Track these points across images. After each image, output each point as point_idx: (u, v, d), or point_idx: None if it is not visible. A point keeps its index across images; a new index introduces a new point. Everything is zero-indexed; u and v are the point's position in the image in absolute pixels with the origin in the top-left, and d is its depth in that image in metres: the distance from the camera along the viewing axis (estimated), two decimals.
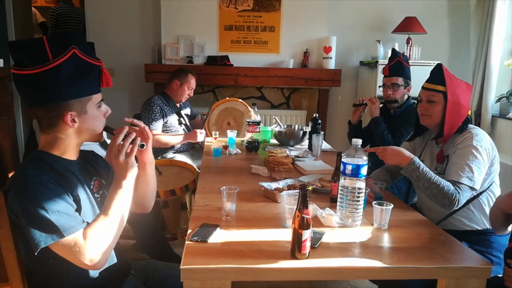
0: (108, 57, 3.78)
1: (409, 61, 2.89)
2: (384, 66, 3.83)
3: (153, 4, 4.09)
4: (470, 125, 1.80)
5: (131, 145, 1.21)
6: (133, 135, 1.23)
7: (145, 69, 3.96)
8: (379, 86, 2.88)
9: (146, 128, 1.29)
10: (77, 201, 1.17)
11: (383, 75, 2.86)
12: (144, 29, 4.16)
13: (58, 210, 1.08)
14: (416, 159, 1.67)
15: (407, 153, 1.69)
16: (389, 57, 2.86)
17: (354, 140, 1.43)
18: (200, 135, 2.96)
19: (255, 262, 1.15)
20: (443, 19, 4.34)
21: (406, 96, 2.79)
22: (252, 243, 1.28)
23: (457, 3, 4.28)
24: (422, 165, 1.66)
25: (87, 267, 1.10)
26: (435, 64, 1.89)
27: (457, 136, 1.78)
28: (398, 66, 2.75)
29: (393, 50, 2.89)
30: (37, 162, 1.16)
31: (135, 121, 1.28)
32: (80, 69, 1.16)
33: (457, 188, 1.61)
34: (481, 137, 1.70)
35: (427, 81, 1.88)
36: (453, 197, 1.59)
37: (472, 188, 1.62)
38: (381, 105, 2.80)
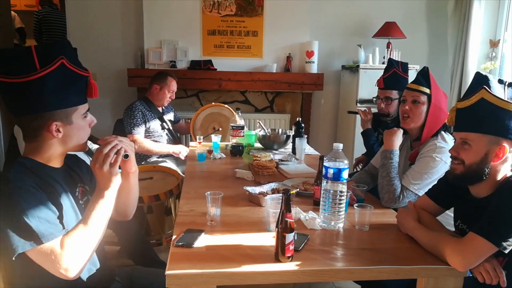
0: (91, 62, 3.75)
1: None
2: (366, 69, 3.94)
3: (135, 9, 4.07)
4: (443, 133, 1.86)
5: (115, 155, 1.21)
6: (118, 145, 1.23)
7: (128, 73, 3.94)
8: (373, 98, 2.75)
9: (127, 139, 1.30)
10: (60, 209, 1.16)
11: (377, 87, 2.66)
12: (127, 33, 4.14)
13: (39, 216, 1.07)
14: (395, 152, 1.82)
15: (396, 143, 1.85)
16: (385, 68, 2.65)
17: (335, 144, 1.46)
18: (184, 153, 2.98)
19: (240, 266, 1.17)
20: (421, 24, 4.44)
21: None
22: (237, 247, 1.30)
23: (435, 9, 4.39)
24: (394, 159, 1.81)
25: (62, 276, 1.08)
26: (422, 67, 1.97)
27: (430, 140, 1.84)
28: (393, 78, 2.55)
29: (390, 60, 2.66)
30: (20, 167, 1.15)
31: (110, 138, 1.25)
32: (67, 79, 1.16)
33: (403, 193, 1.75)
34: (444, 150, 1.76)
35: (413, 82, 1.93)
36: (394, 198, 1.74)
37: (417, 195, 1.75)
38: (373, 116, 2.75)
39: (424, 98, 1.87)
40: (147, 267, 1.76)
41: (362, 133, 2.79)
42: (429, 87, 1.88)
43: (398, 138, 1.86)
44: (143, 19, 3.98)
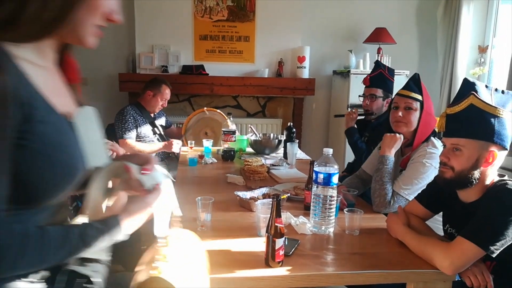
0: (82, 66, 3.70)
1: None
2: (357, 75, 3.97)
3: (127, 13, 4.06)
4: (433, 139, 1.88)
5: None
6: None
7: (119, 78, 3.92)
8: (359, 96, 2.83)
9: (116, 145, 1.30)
10: None
11: (364, 85, 2.78)
12: (118, 38, 4.13)
13: None
14: (390, 158, 1.84)
15: (393, 149, 1.87)
16: (372, 68, 2.78)
17: (325, 149, 1.47)
18: (176, 146, 2.95)
19: (230, 271, 1.17)
20: (411, 29, 4.49)
21: (384, 109, 2.69)
22: (227, 252, 1.29)
23: (425, 14, 4.44)
24: (389, 165, 1.83)
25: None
26: (413, 74, 1.98)
27: (421, 146, 1.86)
28: (379, 78, 2.67)
29: (377, 62, 2.82)
30: None
31: None
32: None
33: (394, 198, 1.77)
34: (434, 156, 1.79)
35: (404, 88, 1.94)
36: (385, 203, 1.76)
37: (407, 200, 1.76)
38: (360, 116, 2.82)
39: (416, 105, 1.89)
40: None
41: (345, 131, 2.84)
42: (421, 94, 1.89)
43: (395, 146, 1.88)
44: (134, 24, 3.98)
